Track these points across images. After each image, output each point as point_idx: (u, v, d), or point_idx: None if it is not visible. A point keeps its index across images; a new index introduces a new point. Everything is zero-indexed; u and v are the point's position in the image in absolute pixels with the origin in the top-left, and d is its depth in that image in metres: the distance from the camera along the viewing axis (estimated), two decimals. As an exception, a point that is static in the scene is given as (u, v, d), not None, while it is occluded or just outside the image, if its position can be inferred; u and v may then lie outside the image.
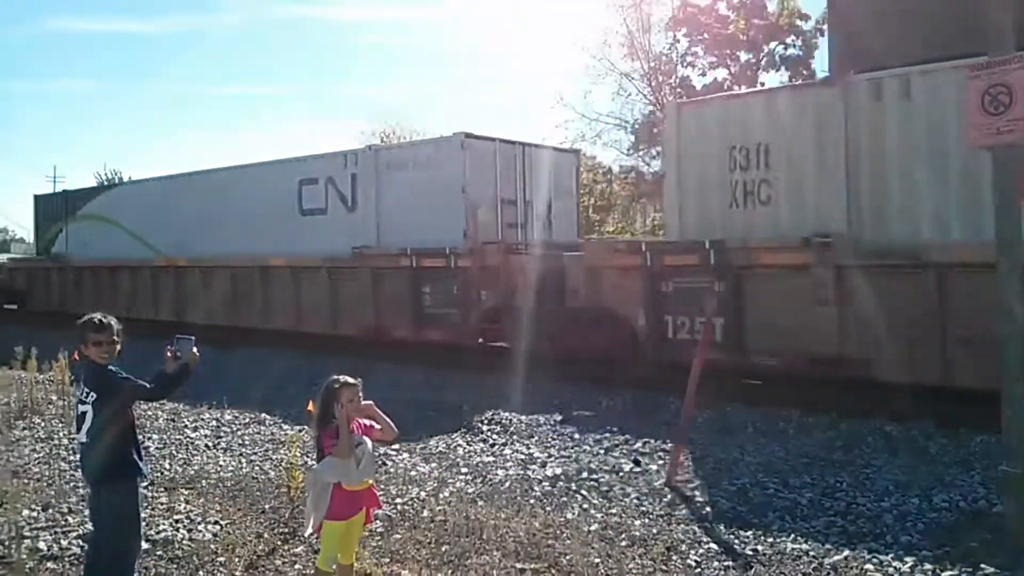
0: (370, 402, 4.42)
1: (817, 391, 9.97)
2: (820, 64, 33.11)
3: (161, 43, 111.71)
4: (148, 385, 4.23)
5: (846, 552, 5.29)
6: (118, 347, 4.25)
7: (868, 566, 5.07)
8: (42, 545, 5.32)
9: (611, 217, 38.68)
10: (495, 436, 8.54)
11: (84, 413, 4.17)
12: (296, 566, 5.10)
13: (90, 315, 4.31)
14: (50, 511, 5.94)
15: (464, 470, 7.29)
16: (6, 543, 5.34)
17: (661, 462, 7.43)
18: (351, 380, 4.32)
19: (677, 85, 34.55)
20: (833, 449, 7.85)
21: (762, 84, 33.33)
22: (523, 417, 9.30)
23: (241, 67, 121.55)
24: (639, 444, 8.11)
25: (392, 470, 7.19)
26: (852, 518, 5.93)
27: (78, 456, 4.35)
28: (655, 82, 34.76)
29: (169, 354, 4.30)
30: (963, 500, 6.18)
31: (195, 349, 4.38)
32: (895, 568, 5.03)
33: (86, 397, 4.17)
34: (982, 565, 4.97)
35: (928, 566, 5.04)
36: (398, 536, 5.61)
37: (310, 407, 4.56)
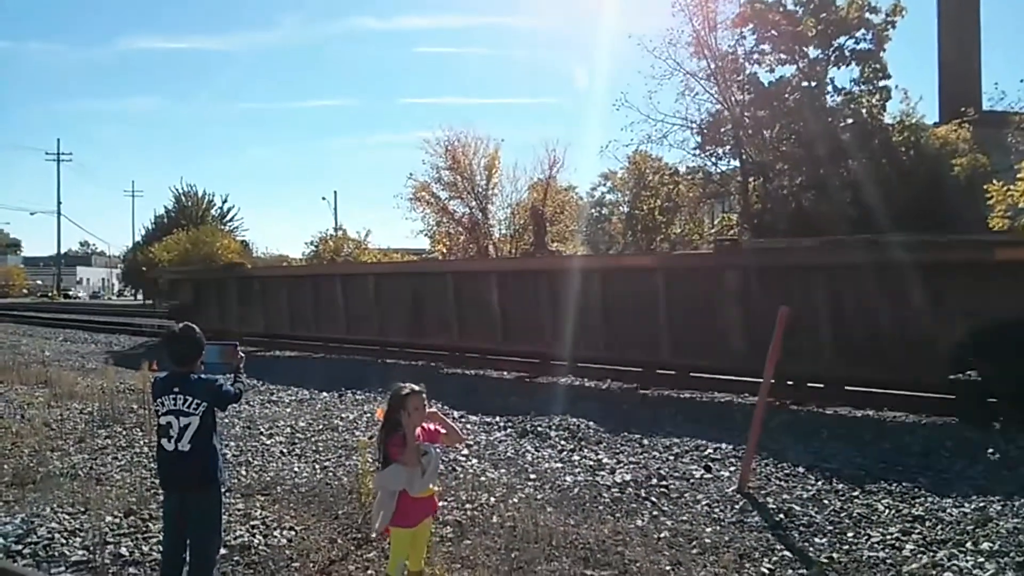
0: (435, 409, 4.48)
1: (892, 394, 9.74)
2: (891, 57, 32.23)
3: (231, 60, 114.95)
4: (235, 391, 4.57)
5: (924, 559, 5.14)
6: None
7: (947, 574, 4.91)
8: (124, 551, 5.52)
9: (678, 219, 38.27)
10: (563, 442, 8.53)
11: (188, 424, 4.32)
12: (368, 572, 5.18)
13: (189, 324, 4.61)
14: (132, 517, 6.15)
15: (532, 476, 7.30)
16: (90, 548, 5.55)
17: (733, 468, 7.33)
18: (416, 387, 4.38)
19: (745, 83, 33.97)
20: (910, 454, 7.64)
21: (831, 80, 32.56)
22: (591, 423, 9.28)
23: (305, 81, 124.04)
24: (710, 450, 8.01)
25: (461, 476, 7.24)
26: (931, 524, 5.75)
27: (168, 466, 4.43)
28: (721, 81, 34.21)
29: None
30: None
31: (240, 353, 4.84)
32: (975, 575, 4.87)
33: (192, 408, 4.33)
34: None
35: (1011, 574, 4.86)
36: (468, 542, 5.65)
37: (379, 414, 4.64)
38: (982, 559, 5.11)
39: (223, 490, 4.62)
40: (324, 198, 74.22)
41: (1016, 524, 5.66)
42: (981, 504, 6.10)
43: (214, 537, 4.56)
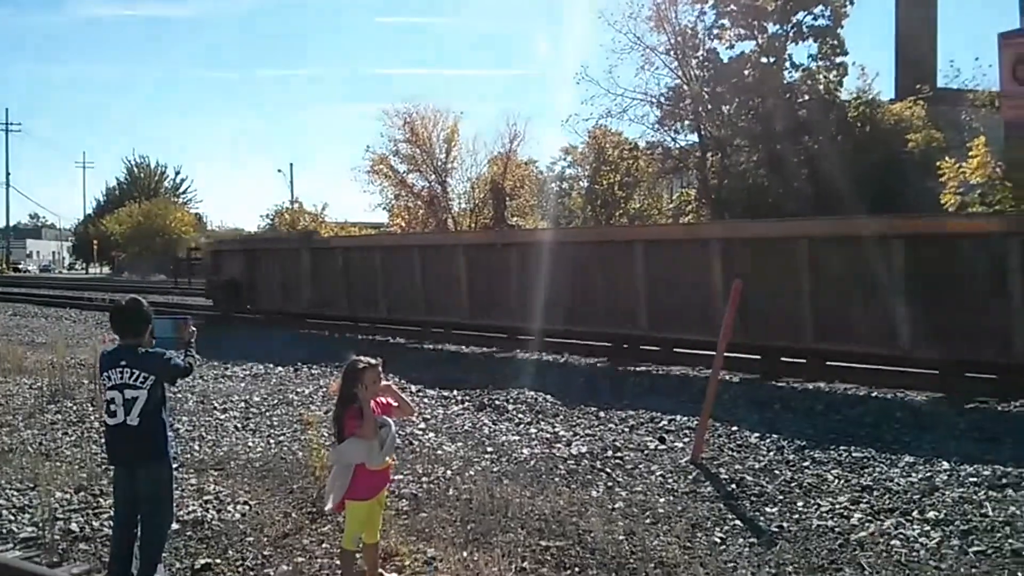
0: (389, 383, 4.46)
1: (846, 368, 9.91)
2: (848, 34, 32.46)
3: (188, 27, 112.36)
4: (184, 364, 4.50)
5: (872, 528, 5.26)
6: None
7: (894, 542, 5.03)
8: (74, 527, 5.44)
9: (637, 193, 38.42)
10: (521, 415, 8.57)
11: (135, 397, 4.25)
12: (324, 545, 5.16)
13: (135, 297, 4.57)
14: (82, 493, 6.07)
15: (490, 449, 7.32)
16: (40, 525, 5.46)
17: (687, 440, 7.42)
18: (372, 361, 4.36)
19: (704, 58, 34.07)
20: (861, 425, 7.79)
21: (789, 56, 32.75)
22: (549, 396, 9.32)
23: (266, 49, 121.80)
24: (665, 422, 8.10)
25: (418, 449, 7.24)
26: (879, 494, 5.87)
27: (115, 440, 4.36)
28: (681, 55, 34.26)
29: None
30: (991, 475, 6.10)
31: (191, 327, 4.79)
32: (921, 543, 4.99)
33: (139, 381, 4.25)
34: (1009, 541, 4.93)
35: (955, 542, 4.99)
36: (424, 515, 5.66)
37: (332, 388, 4.62)
38: (928, 527, 5.24)
39: (174, 465, 4.55)
40: (280, 170, 73.46)
41: (961, 493, 5.80)
42: (928, 474, 6.24)
43: (165, 512, 4.50)
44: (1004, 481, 5.97)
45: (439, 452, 7.19)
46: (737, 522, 5.49)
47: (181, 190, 74.43)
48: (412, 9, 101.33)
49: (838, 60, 32.42)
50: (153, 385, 4.29)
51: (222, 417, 8.54)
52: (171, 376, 4.46)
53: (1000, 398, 8.58)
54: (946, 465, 6.39)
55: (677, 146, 36.53)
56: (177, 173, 74.08)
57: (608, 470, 6.67)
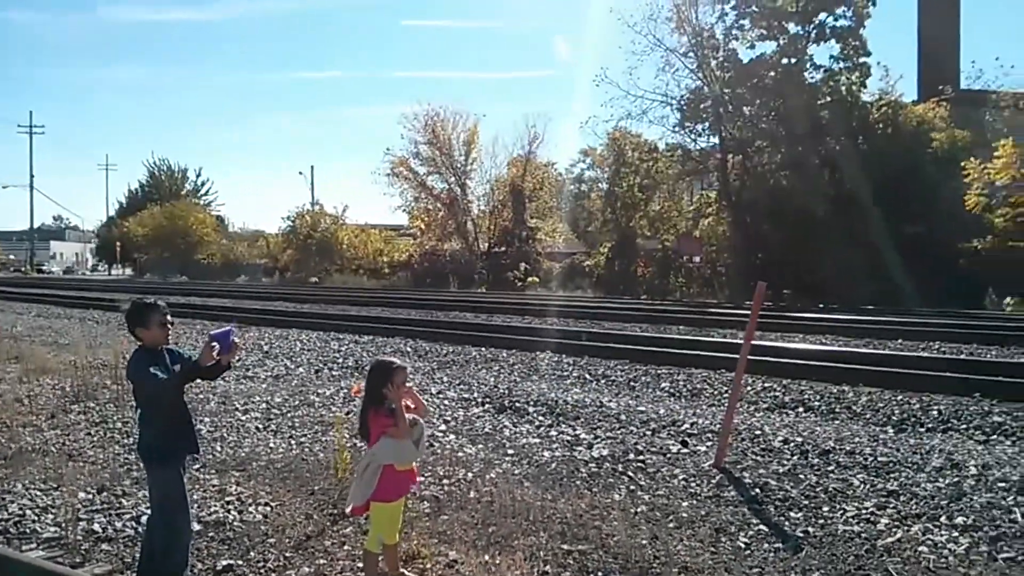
0: (410, 385, 4.45)
1: (868, 369, 9.81)
2: (871, 34, 32.21)
3: (212, 31, 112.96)
4: (161, 377, 4.14)
5: (899, 533, 5.18)
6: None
7: (922, 548, 4.95)
8: (96, 527, 5.44)
9: (657, 196, 38.32)
10: (541, 417, 8.53)
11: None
12: (345, 547, 5.14)
13: (134, 299, 4.47)
14: (104, 494, 6.08)
15: (510, 451, 7.28)
16: (63, 525, 5.48)
17: (710, 443, 7.35)
18: (398, 362, 4.36)
19: (724, 59, 33.92)
20: (886, 428, 7.69)
21: (810, 57, 32.53)
22: (569, 398, 9.28)
23: (290, 53, 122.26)
24: (687, 425, 8.04)
25: (439, 451, 7.21)
26: (906, 499, 5.79)
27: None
28: (701, 56, 34.13)
29: (214, 351, 4.17)
30: (1020, 479, 6.00)
31: (237, 339, 4.31)
32: (950, 549, 4.91)
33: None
34: (1042, 546, 4.84)
35: (984, 548, 4.91)
36: (445, 517, 5.63)
37: (355, 390, 4.59)
38: (956, 533, 5.15)
39: (164, 468, 4.40)
40: (301, 173, 73.84)
41: (990, 499, 5.71)
42: (956, 479, 6.14)
43: (154, 513, 4.49)
44: (1034, 486, 5.86)
45: (460, 454, 7.16)
46: (762, 527, 5.42)
47: (202, 192, 74.99)
48: (437, 12, 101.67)
49: (860, 61, 32.21)
50: (135, 388, 4.31)
51: (243, 418, 8.55)
52: (133, 382, 4.33)
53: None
54: (973, 470, 6.30)
55: (697, 148, 36.45)
56: (198, 175, 74.72)
57: (630, 473, 6.62)
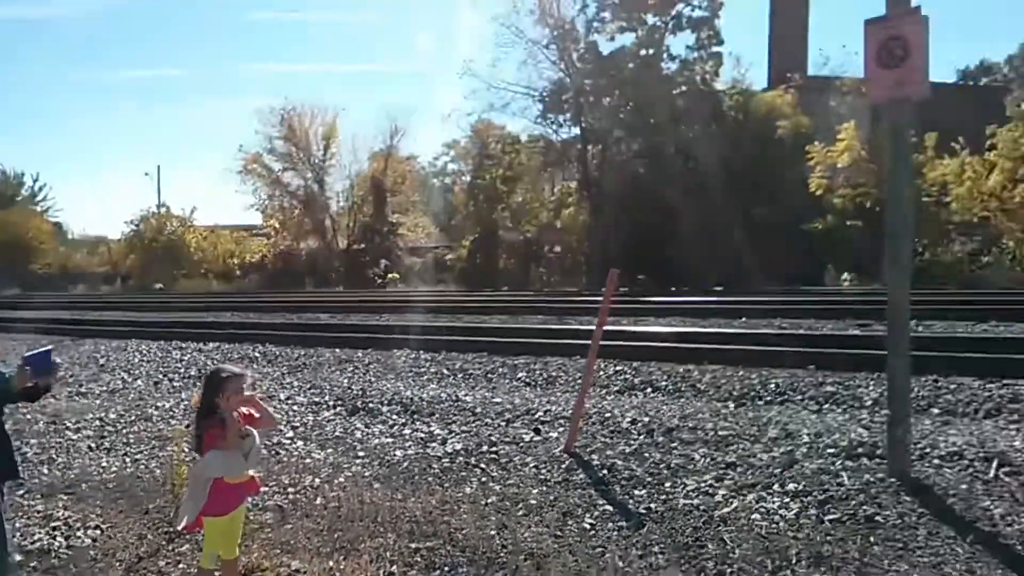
0: (252, 393, 4.24)
1: (712, 348, 10.17)
2: (725, 24, 33.45)
3: (43, 28, 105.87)
4: None
5: (735, 503, 5.37)
6: None
7: (755, 515, 5.15)
8: None
9: (519, 187, 38.68)
10: (395, 416, 8.40)
11: None
12: (180, 565, 4.90)
13: None
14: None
15: (361, 453, 7.14)
16: None
17: (562, 429, 7.42)
18: (236, 370, 4.16)
19: (585, 51, 34.51)
20: (727, 403, 7.99)
21: (667, 47, 33.53)
22: (425, 395, 9.19)
23: (129, 49, 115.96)
24: (541, 413, 8.10)
25: (285, 459, 6.99)
26: (742, 469, 6.02)
27: None
28: (563, 48, 34.62)
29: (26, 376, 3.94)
30: (848, 444, 6.34)
31: (57, 359, 4.11)
32: (781, 515, 5.12)
33: None
34: (863, 507, 5.12)
35: (813, 511, 5.15)
36: (289, 527, 5.44)
37: (194, 400, 4.36)
38: (788, 499, 5.39)
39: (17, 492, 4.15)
40: (147, 173, 70.48)
41: (820, 464, 6.00)
42: (789, 448, 6.43)
43: None
44: (860, 451, 6.20)
45: (307, 460, 6.95)
46: (607, 507, 5.51)
47: (40, 198, 70.54)
48: (286, 5, 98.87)
49: (714, 50, 33.41)
50: None
51: (75, 437, 8.03)
52: None
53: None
54: (806, 438, 6.61)
55: (559, 139, 36.99)
56: (35, 180, 70.11)
57: (483, 466, 6.60)
